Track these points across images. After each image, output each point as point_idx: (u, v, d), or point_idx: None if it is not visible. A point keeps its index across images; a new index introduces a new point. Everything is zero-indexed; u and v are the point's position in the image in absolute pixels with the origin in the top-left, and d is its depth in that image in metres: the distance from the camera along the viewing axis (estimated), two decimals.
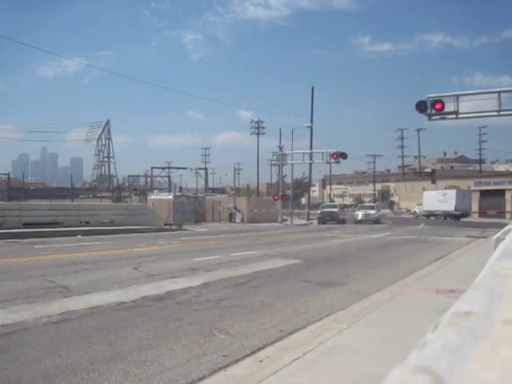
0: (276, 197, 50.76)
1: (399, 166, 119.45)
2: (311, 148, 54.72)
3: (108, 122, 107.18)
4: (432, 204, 64.56)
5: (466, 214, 61.66)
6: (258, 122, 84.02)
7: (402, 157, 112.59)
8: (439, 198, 64.14)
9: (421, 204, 69.51)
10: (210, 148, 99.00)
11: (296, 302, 8.04)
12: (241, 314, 7.08)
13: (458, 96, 22.06)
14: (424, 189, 78.43)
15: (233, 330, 6.16)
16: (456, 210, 60.65)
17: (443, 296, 7.82)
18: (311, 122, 58.45)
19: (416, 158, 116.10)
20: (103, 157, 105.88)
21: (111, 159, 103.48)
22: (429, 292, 8.38)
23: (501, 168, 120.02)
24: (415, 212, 74.58)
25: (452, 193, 64.12)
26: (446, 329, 1.03)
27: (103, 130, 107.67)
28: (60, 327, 6.13)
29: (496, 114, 21.94)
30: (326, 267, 12.74)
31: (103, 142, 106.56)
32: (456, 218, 58.41)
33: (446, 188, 71.91)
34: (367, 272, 11.90)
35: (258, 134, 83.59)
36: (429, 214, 63.53)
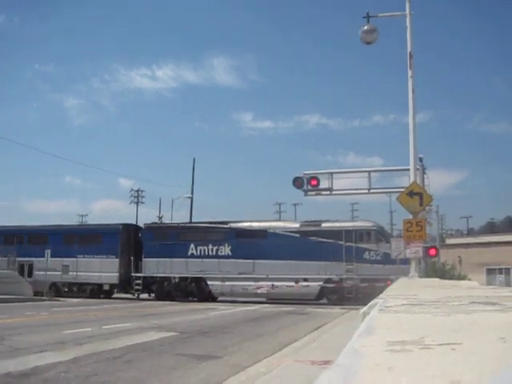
0: None
1: None
2: (191, 219, 54.72)
3: None
4: None
5: None
6: (137, 191, 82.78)
7: None
8: None
9: None
10: (87, 215, 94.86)
11: (170, 376, 7.77)
12: None
13: (332, 173, 23.26)
14: None
15: None
16: None
17: (318, 367, 7.93)
18: (192, 192, 58.73)
19: None
20: None
21: None
22: (305, 363, 8.48)
23: None
24: None
25: None
26: None
27: None
28: None
29: (367, 191, 23.34)
30: (203, 340, 12.52)
31: None
32: None
33: None
34: (244, 344, 11.84)
35: (137, 202, 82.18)
36: None
